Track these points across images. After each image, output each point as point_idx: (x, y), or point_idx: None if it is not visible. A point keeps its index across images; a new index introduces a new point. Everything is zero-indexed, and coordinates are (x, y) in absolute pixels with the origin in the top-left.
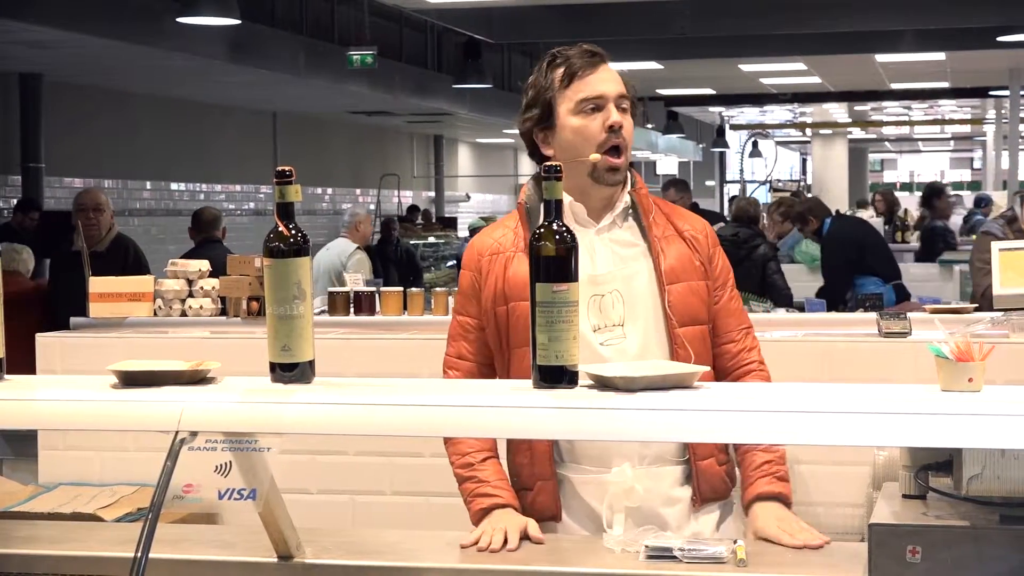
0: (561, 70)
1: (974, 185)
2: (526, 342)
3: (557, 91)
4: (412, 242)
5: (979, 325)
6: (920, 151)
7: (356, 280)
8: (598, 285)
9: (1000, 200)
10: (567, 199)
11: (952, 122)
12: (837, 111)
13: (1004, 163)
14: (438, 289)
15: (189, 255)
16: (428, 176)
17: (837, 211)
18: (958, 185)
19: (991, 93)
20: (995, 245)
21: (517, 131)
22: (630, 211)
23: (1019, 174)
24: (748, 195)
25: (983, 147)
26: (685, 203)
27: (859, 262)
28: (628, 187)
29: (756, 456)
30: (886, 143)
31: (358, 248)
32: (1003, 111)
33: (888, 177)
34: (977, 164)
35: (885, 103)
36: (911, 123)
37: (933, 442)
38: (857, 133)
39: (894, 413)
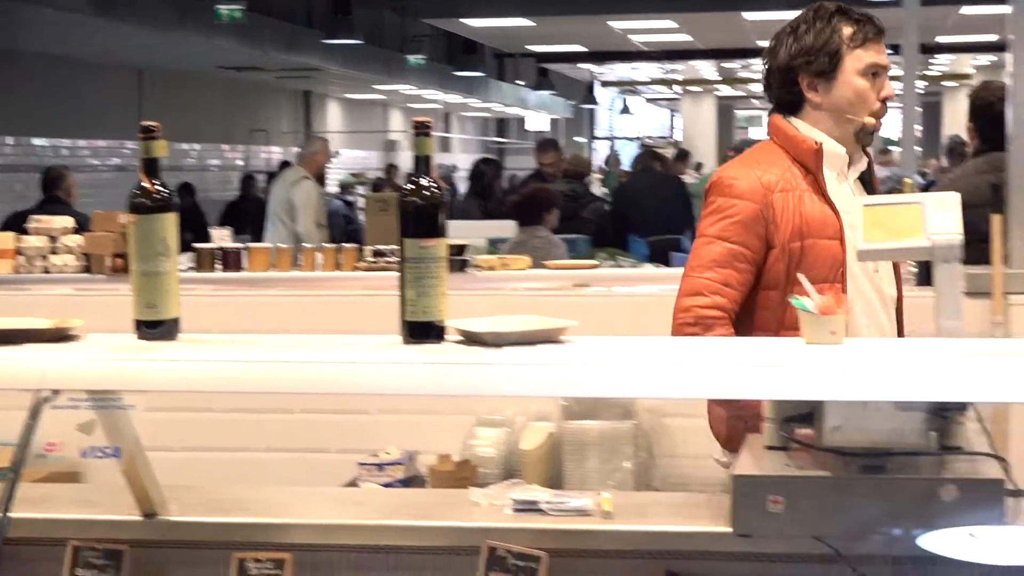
0: (853, 28)
1: None
2: (826, 278)
3: (848, 47)
4: None
5: None
6: None
7: (223, 236)
8: None
9: None
10: (841, 150)
11: None
12: (706, 69)
13: None
14: (307, 245)
15: (22, 215)
16: (297, 132)
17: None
18: None
19: None
20: (858, 200)
21: (393, 87)
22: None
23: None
24: (615, 152)
25: None
26: (560, 166)
27: (626, 218)
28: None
29: None
30: (753, 100)
31: (306, 177)
32: None
33: (754, 134)
34: None
35: (752, 61)
36: None
37: (796, 394)
38: (725, 91)
39: (758, 366)
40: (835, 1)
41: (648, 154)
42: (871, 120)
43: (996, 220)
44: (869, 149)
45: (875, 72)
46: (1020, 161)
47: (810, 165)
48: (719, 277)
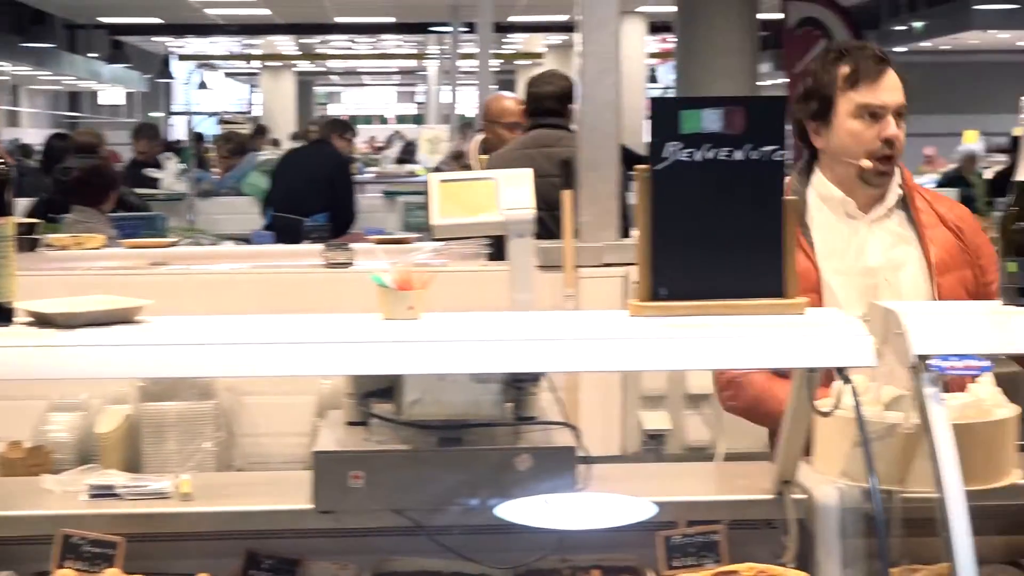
0: (846, 69)
1: (419, 119)
2: None
3: (839, 89)
4: None
5: (420, 254)
6: (366, 85)
7: None
8: (869, 276)
9: (441, 134)
10: (838, 194)
11: (396, 57)
12: (285, 44)
13: (445, 98)
14: None
15: None
16: None
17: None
18: (403, 119)
19: (432, 29)
20: (433, 177)
21: None
22: (900, 202)
23: (457, 108)
24: (194, 127)
25: (426, 82)
26: (157, 149)
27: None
28: (898, 179)
29: None
30: (333, 77)
31: None
32: (445, 47)
33: (332, 110)
34: (420, 98)
35: (331, 37)
36: (357, 56)
37: (374, 369)
38: (304, 66)
39: (335, 342)
40: (849, 41)
41: (333, 123)
42: (866, 163)
43: (567, 196)
44: (897, 181)
45: (872, 113)
46: (590, 139)
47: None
48: None
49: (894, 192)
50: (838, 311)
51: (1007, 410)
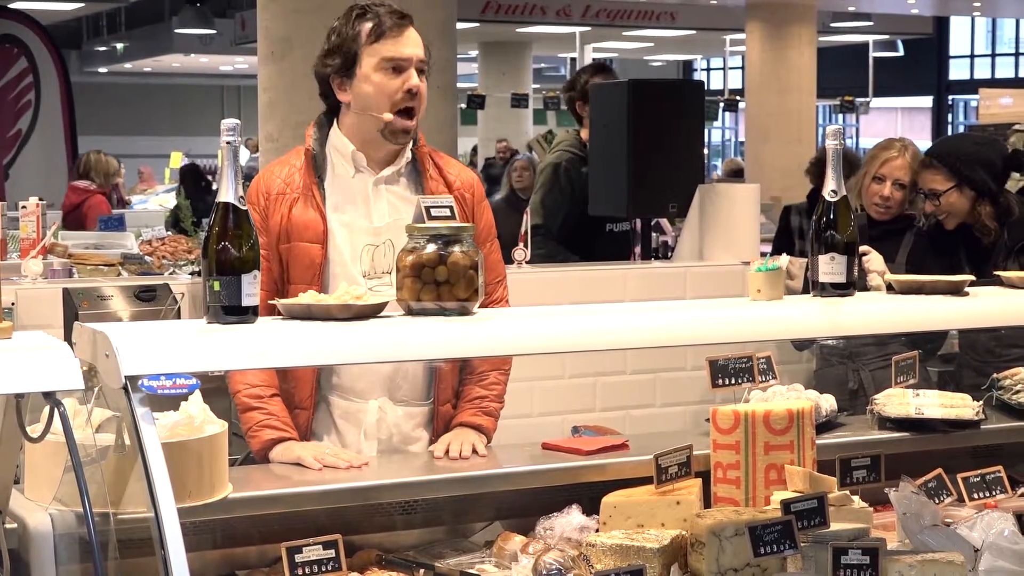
0: (370, 25)
1: None
2: (304, 279)
3: (364, 45)
4: None
5: None
6: None
7: None
8: (373, 236)
9: None
10: (350, 148)
11: None
12: None
13: None
14: None
15: None
16: None
17: None
18: None
19: None
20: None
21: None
22: (410, 165)
23: None
24: None
25: None
26: None
27: None
28: (411, 144)
29: (473, 390)
30: None
31: None
32: None
33: None
34: None
35: None
36: None
37: None
38: None
39: None
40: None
41: None
42: (389, 116)
43: None
44: (423, 144)
45: (396, 67)
46: None
47: (309, 169)
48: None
49: (405, 155)
50: (44, 335)
51: (217, 426)
